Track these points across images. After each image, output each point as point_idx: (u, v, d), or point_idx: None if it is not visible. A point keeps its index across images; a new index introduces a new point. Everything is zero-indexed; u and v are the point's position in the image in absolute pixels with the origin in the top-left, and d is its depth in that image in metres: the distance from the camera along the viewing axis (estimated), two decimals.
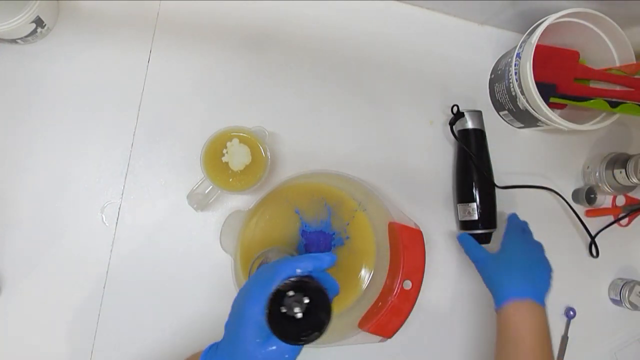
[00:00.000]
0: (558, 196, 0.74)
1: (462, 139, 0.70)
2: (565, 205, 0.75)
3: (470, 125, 0.70)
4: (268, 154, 0.61)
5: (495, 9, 0.71)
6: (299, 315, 0.42)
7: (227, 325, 0.45)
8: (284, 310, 0.42)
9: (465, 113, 0.70)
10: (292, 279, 0.43)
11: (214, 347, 0.47)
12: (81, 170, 0.64)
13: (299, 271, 0.43)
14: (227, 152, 0.61)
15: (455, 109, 0.70)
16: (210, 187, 0.62)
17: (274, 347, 0.42)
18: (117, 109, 0.66)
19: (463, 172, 0.71)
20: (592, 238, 0.74)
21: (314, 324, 0.43)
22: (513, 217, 0.69)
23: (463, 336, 0.71)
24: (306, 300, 0.43)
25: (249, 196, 0.67)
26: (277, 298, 0.42)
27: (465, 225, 0.70)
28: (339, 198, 0.66)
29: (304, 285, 0.43)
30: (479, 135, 0.70)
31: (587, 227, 0.74)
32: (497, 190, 0.71)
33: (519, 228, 0.66)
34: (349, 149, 0.70)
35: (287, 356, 0.42)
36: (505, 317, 0.57)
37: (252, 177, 0.61)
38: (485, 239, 0.69)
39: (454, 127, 0.71)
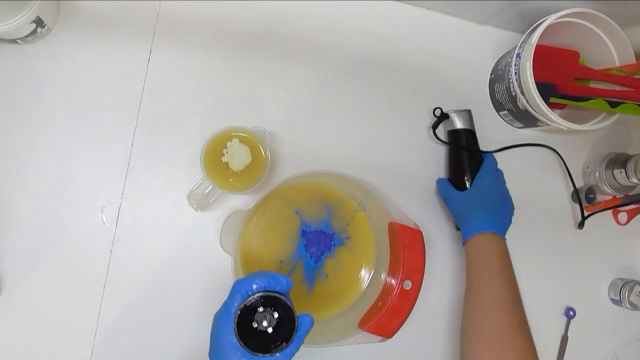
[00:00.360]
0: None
1: (452, 139, 0.70)
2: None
3: (458, 125, 0.69)
4: (268, 154, 0.61)
5: (495, 9, 0.71)
6: (270, 329, 0.46)
7: (210, 354, 0.49)
8: (255, 325, 0.46)
9: (451, 114, 0.70)
10: (259, 295, 0.46)
11: None
12: (81, 170, 0.64)
13: (255, 287, 0.47)
14: (227, 152, 0.61)
15: (437, 111, 0.70)
16: (210, 187, 0.62)
17: None
18: (117, 109, 0.66)
19: (454, 166, 0.71)
20: (582, 215, 0.74)
21: (282, 336, 0.46)
22: (490, 157, 0.69)
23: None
24: (276, 315, 0.47)
25: (249, 196, 0.67)
26: (247, 313, 0.46)
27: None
28: (339, 198, 0.66)
29: (274, 300, 0.47)
30: (469, 135, 0.70)
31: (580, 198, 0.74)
32: None
33: (493, 168, 0.68)
34: (349, 149, 0.70)
35: None
36: (473, 246, 0.62)
37: (252, 177, 0.61)
38: None
39: (436, 130, 0.71)
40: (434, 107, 0.71)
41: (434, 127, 0.71)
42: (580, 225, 0.74)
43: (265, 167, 0.61)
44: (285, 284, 0.48)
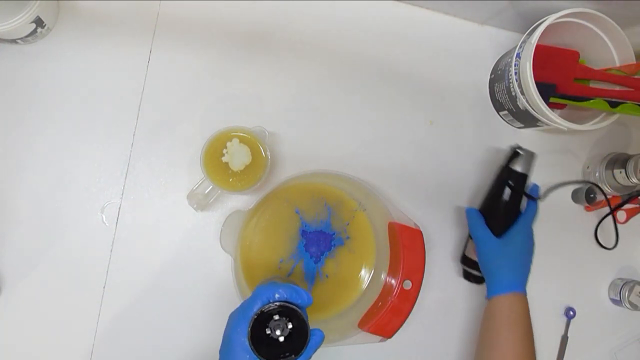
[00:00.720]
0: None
1: (507, 176, 0.66)
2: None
3: (518, 167, 0.66)
4: (268, 154, 0.61)
5: (495, 9, 0.71)
6: (281, 338, 0.46)
7: (220, 351, 0.48)
8: (268, 331, 0.46)
9: (520, 152, 0.66)
10: (278, 303, 0.46)
11: None
12: (81, 170, 0.64)
13: (277, 296, 0.47)
14: (227, 152, 0.61)
15: (515, 150, 0.66)
16: (210, 187, 0.62)
17: None
18: (117, 109, 0.66)
19: (494, 204, 0.67)
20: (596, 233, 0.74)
21: (292, 348, 0.46)
22: (533, 206, 0.66)
23: (463, 336, 0.71)
24: (290, 326, 0.47)
25: (249, 196, 0.67)
26: (262, 319, 0.46)
27: (466, 261, 0.69)
28: (339, 198, 0.66)
29: (290, 312, 0.47)
30: (523, 178, 0.66)
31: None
32: None
33: (532, 218, 0.65)
34: (349, 149, 0.70)
35: None
36: (504, 304, 0.60)
37: (252, 177, 0.61)
38: (476, 280, 0.68)
39: (508, 164, 0.66)
40: (514, 146, 0.66)
41: (506, 165, 0.66)
42: (615, 245, 0.73)
43: (265, 167, 0.61)
44: (306, 300, 0.48)
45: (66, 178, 0.64)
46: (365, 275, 0.65)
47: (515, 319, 0.60)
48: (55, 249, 0.63)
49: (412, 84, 0.73)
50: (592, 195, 0.74)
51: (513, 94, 0.67)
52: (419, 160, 0.72)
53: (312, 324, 0.47)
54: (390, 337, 0.60)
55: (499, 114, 0.75)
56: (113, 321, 0.63)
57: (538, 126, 0.71)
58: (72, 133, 0.65)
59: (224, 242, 0.61)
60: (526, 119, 0.69)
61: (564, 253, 0.75)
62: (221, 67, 0.68)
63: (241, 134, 0.61)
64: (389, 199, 0.69)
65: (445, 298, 0.71)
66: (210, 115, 0.67)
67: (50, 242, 0.63)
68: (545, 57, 0.66)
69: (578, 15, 0.64)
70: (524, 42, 0.65)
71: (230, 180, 0.61)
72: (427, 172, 0.72)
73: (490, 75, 0.75)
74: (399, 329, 0.60)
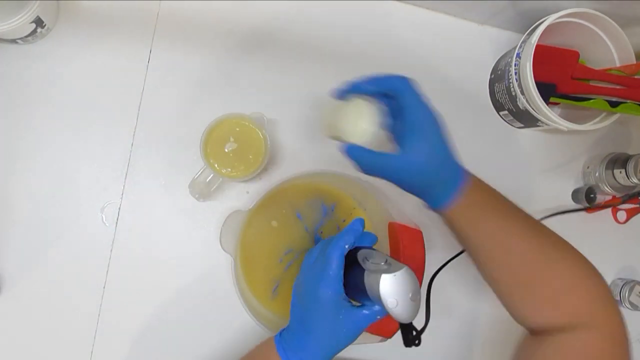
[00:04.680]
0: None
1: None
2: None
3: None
4: (267, 140, 0.62)
5: (495, 9, 0.71)
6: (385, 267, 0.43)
7: (296, 310, 0.47)
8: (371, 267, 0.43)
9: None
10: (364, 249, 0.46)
11: (285, 332, 0.48)
12: (81, 170, 0.64)
13: (347, 246, 0.45)
14: (227, 139, 0.61)
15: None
16: (212, 175, 0.62)
17: (365, 312, 0.44)
18: (117, 109, 0.66)
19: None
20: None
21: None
22: (406, 83, 0.48)
23: (463, 336, 0.71)
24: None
25: (249, 196, 0.67)
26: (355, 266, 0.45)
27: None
28: (339, 198, 0.66)
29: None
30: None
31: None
32: None
33: (420, 99, 0.47)
34: None
35: (378, 316, 0.45)
36: (471, 197, 0.48)
37: (254, 163, 0.61)
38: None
39: None
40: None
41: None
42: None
43: (264, 153, 0.61)
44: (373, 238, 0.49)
45: (66, 178, 0.64)
46: None
47: (495, 203, 0.49)
48: (55, 249, 0.63)
49: None
50: (592, 196, 0.74)
51: (513, 94, 0.67)
52: None
53: None
54: (390, 337, 0.60)
55: (499, 114, 0.75)
56: (113, 321, 0.63)
57: (538, 126, 0.71)
58: (72, 133, 0.65)
59: (224, 242, 0.61)
60: (526, 119, 0.69)
61: None
62: (221, 67, 0.68)
63: (240, 121, 0.61)
64: (389, 199, 0.69)
65: (445, 298, 0.71)
66: (211, 115, 0.67)
67: (50, 242, 0.63)
68: (545, 57, 0.66)
69: (578, 15, 0.64)
70: (524, 42, 0.65)
71: (230, 169, 0.61)
72: None
73: (490, 75, 0.75)
74: (399, 329, 0.60)
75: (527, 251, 0.48)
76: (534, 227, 0.50)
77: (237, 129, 0.61)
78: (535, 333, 0.48)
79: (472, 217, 0.49)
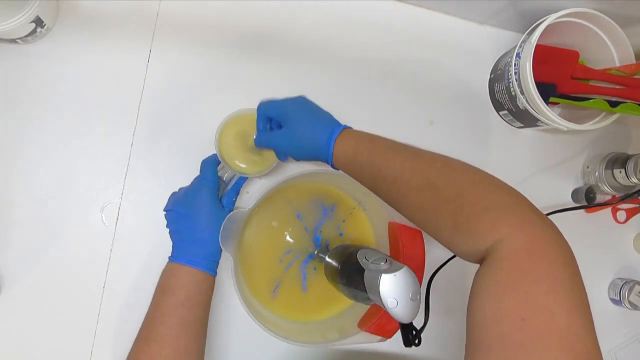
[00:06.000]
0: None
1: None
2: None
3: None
4: None
5: (495, 9, 0.71)
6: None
7: (180, 225, 0.58)
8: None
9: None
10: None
11: (173, 251, 0.58)
12: (81, 170, 0.64)
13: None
14: (248, 135, 0.60)
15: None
16: (229, 172, 0.62)
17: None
18: (117, 109, 0.66)
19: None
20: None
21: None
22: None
23: (463, 336, 0.71)
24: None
25: (249, 195, 0.67)
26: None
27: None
28: (339, 198, 0.66)
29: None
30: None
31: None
32: None
33: (272, 104, 0.58)
34: None
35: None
36: (349, 152, 0.51)
37: (270, 158, 0.61)
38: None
39: None
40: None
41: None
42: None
43: None
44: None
45: (66, 178, 0.64)
46: None
47: (370, 139, 0.51)
48: (55, 249, 0.63)
49: (412, 84, 0.73)
50: (592, 196, 0.74)
51: (513, 94, 0.67)
52: None
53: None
54: (390, 337, 0.60)
55: (499, 114, 0.75)
56: (113, 321, 0.63)
57: (538, 126, 0.71)
58: (72, 133, 0.65)
59: (224, 242, 0.61)
60: (526, 119, 0.69)
61: None
62: (222, 67, 0.68)
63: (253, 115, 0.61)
64: None
65: (445, 298, 0.71)
66: (211, 115, 0.67)
67: (50, 242, 0.63)
68: (545, 57, 0.66)
69: (578, 15, 0.65)
70: (524, 42, 0.65)
71: (247, 164, 0.61)
72: None
73: (490, 75, 0.75)
74: (399, 329, 0.60)
75: (423, 178, 0.46)
76: (420, 153, 0.50)
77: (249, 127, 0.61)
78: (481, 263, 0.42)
79: (351, 158, 0.50)
